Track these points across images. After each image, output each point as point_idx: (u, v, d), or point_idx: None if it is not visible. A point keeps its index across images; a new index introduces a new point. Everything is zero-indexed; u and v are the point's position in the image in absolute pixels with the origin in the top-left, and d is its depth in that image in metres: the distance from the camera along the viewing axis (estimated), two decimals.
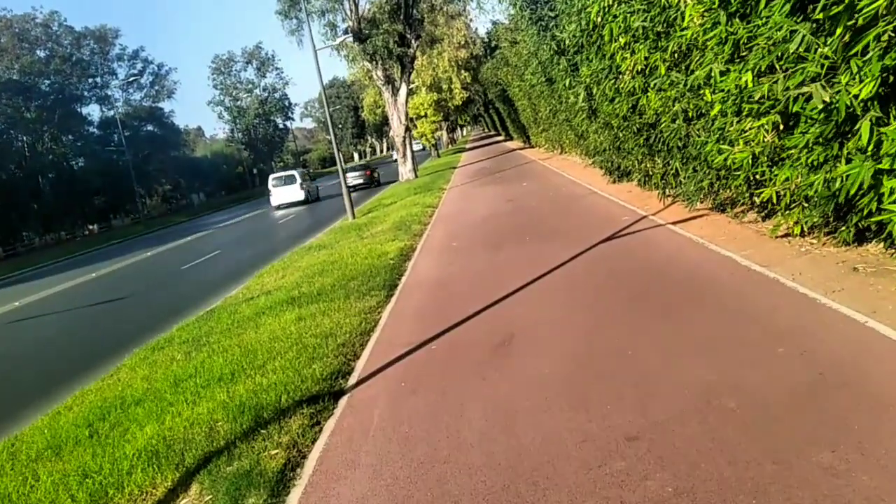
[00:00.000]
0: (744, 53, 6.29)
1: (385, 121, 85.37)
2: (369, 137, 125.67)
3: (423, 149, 67.47)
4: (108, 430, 5.95)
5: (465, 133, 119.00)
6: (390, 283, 9.67)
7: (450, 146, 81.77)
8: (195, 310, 11.53)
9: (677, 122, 8.98)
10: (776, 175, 6.44)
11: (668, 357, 4.81)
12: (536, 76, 21.06)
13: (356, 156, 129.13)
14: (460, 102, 59.60)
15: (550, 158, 27.34)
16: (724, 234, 8.13)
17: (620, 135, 12.50)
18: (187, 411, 5.86)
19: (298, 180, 36.51)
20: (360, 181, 39.71)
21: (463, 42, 57.79)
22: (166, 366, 7.76)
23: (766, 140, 6.35)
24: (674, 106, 8.85)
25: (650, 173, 12.00)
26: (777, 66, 5.67)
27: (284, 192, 36.33)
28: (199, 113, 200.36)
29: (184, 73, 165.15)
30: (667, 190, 10.92)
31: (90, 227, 62.11)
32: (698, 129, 8.56)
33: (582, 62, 13.80)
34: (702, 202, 9.67)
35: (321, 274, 11.43)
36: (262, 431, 5.05)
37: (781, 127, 6.10)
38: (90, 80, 69.16)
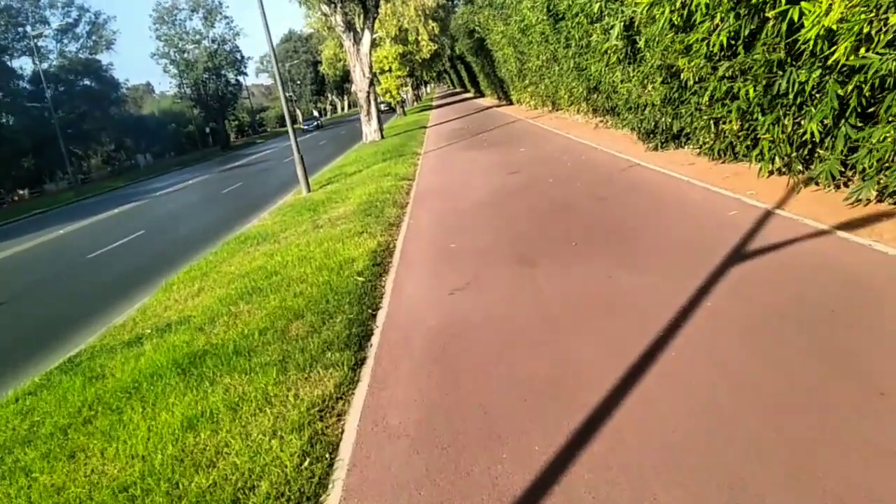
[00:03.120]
0: None
1: (346, 76, 79.69)
2: (330, 94, 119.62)
3: (389, 106, 62.64)
4: None
5: (428, 91, 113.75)
6: (360, 330, 5.69)
7: (415, 104, 76.88)
8: (57, 348, 7.48)
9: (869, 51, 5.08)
10: None
11: None
12: (536, 12, 16.85)
13: (315, 113, 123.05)
14: (428, 56, 54.77)
15: (541, 117, 23.31)
16: None
17: (695, 81, 8.57)
18: None
19: None
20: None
21: None
22: None
23: None
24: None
25: (739, 139, 8.15)
26: None
27: None
28: (147, 68, 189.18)
29: (129, 23, 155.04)
30: (792, 167, 7.05)
31: (20, 192, 56.19)
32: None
33: None
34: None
35: (251, 296, 7.39)
36: None
37: None
38: (19, 30, 62.28)
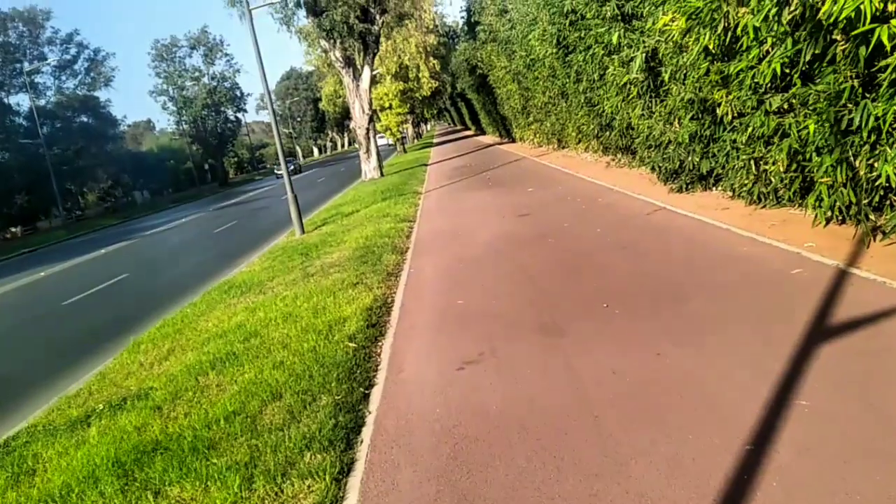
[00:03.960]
0: None
1: (346, 113, 79.12)
2: (330, 131, 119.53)
3: (389, 143, 62.11)
4: None
5: (428, 128, 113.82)
6: (348, 419, 4.55)
7: (415, 141, 76.47)
8: (2, 419, 6.34)
9: None
10: None
11: None
12: (544, 44, 16.02)
13: (316, 150, 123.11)
14: (429, 93, 54.43)
15: (546, 155, 22.41)
16: None
17: (734, 116, 7.60)
18: None
19: None
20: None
21: (431, 26, 52.74)
22: None
23: None
24: None
25: (785, 181, 7.14)
26: None
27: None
28: (147, 105, 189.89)
29: (129, 61, 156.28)
30: (858, 215, 6.00)
31: (12, 229, 55.16)
32: None
33: (645, 7, 8.98)
34: None
35: (224, 364, 6.28)
36: None
37: None
38: (16, 66, 62.05)
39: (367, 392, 5.12)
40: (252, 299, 9.19)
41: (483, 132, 50.92)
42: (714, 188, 9.95)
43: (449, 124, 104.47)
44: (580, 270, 7.17)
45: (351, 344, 6.09)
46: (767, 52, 6.24)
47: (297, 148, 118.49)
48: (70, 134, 62.60)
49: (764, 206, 8.04)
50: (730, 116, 7.62)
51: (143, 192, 75.76)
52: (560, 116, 19.92)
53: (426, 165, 31.34)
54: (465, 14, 38.36)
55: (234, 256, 15.31)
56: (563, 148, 22.30)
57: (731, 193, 9.04)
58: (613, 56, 10.94)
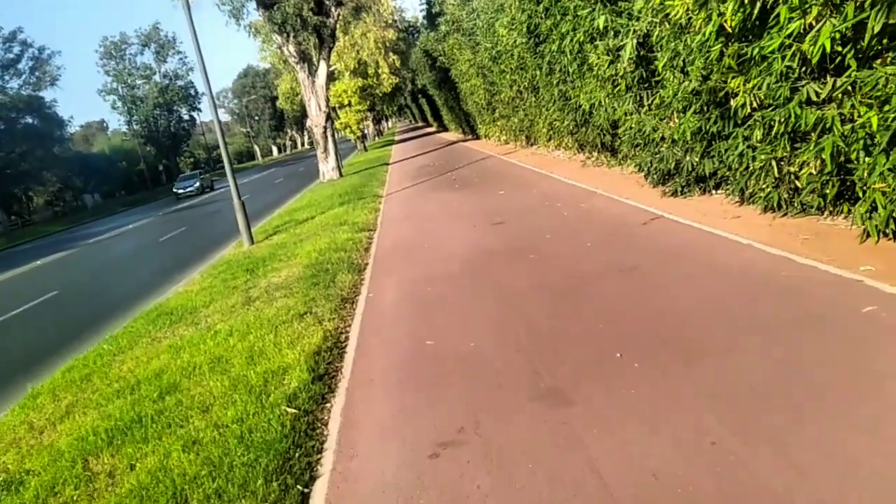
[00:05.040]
0: None
1: (305, 111, 76.87)
2: (289, 130, 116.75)
3: (348, 141, 60.38)
4: None
5: (390, 125, 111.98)
6: None
7: (377, 138, 74.71)
8: None
9: None
10: None
11: None
12: (513, 33, 14.71)
13: (275, 150, 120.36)
14: (389, 89, 52.78)
15: (515, 153, 21.14)
16: None
17: (754, 108, 6.37)
18: None
19: None
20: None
21: (390, 20, 51.17)
22: None
23: None
24: None
25: (818, 186, 5.94)
26: None
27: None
28: (99, 106, 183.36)
29: (79, 59, 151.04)
30: None
31: None
32: None
33: None
34: None
35: (124, 440, 4.82)
36: None
37: None
38: None
39: (305, 490, 3.72)
40: (182, 332, 7.69)
41: (445, 129, 49.61)
42: (715, 192, 8.75)
43: (410, 121, 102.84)
44: (575, 301, 5.84)
45: (290, 409, 4.68)
46: (811, 25, 4.98)
47: (256, 147, 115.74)
48: (14, 136, 59.36)
49: (785, 215, 6.83)
50: (748, 109, 6.38)
51: (94, 195, 72.60)
52: (529, 112, 18.66)
53: (388, 164, 29.87)
54: (425, 5, 36.82)
55: (175, 271, 13.73)
56: (532, 145, 21.06)
57: (737, 198, 7.83)
58: (597, 43, 9.65)
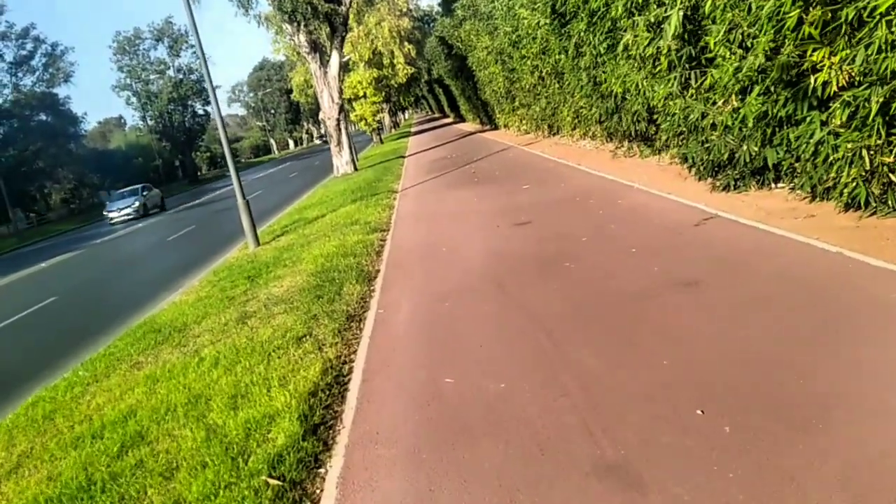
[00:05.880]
0: None
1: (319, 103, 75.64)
2: (305, 123, 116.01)
3: (364, 134, 59.39)
4: None
5: (406, 116, 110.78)
6: None
7: (393, 130, 73.57)
8: None
9: None
10: None
11: None
12: (535, 13, 13.55)
13: (291, 143, 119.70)
14: (404, 80, 51.60)
15: (536, 143, 19.98)
16: None
17: (843, 86, 5.23)
18: None
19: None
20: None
21: (405, 9, 49.99)
22: None
23: None
24: None
25: None
26: None
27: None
28: (115, 102, 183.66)
29: (94, 56, 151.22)
30: None
31: None
32: None
33: None
34: None
35: None
36: None
37: None
38: None
39: None
40: (165, 356, 6.72)
41: (463, 119, 48.40)
42: (775, 186, 7.60)
43: (427, 112, 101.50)
44: (626, 328, 4.75)
45: (272, 481, 3.66)
46: None
47: (272, 141, 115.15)
48: (28, 133, 59.09)
49: (873, 214, 5.68)
50: (833, 87, 5.24)
51: (109, 192, 72.24)
52: (552, 99, 17.49)
53: (403, 157, 28.80)
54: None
55: (177, 276, 12.84)
56: (555, 135, 19.89)
57: (806, 194, 6.68)
58: (636, 18, 8.49)
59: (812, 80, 5.45)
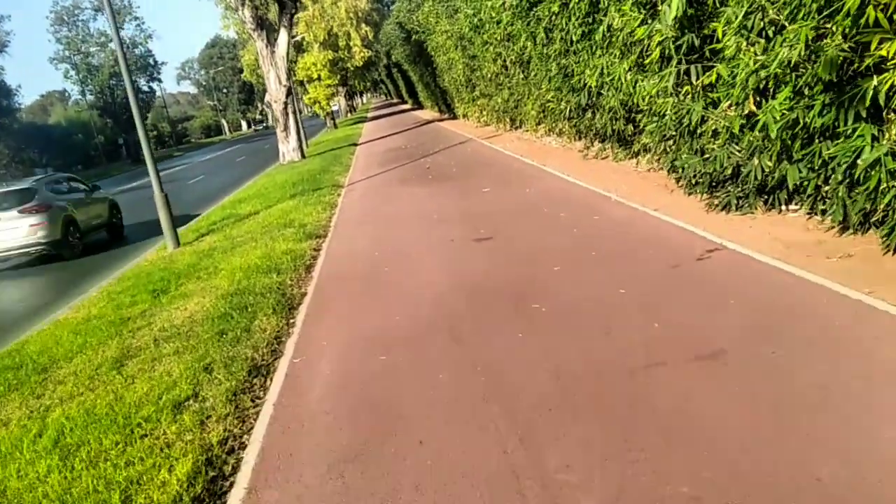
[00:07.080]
0: None
1: None
2: (259, 104, 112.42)
3: (317, 118, 57.16)
4: None
5: (364, 101, 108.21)
6: None
7: (349, 115, 71.27)
8: None
9: None
10: None
11: None
12: None
13: (244, 124, 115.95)
14: (361, 63, 49.54)
15: (498, 137, 18.52)
16: None
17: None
18: None
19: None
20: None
21: None
22: None
23: None
24: None
25: None
26: None
27: None
28: (56, 75, 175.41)
29: (36, 26, 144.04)
30: None
31: None
32: None
33: None
34: None
35: None
36: None
37: None
38: None
39: None
40: (4, 418, 5.06)
41: (421, 106, 46.76)
42: (786, 208, 6.28)
43: (385, 97, 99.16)
44: (628, 428, 3.31)
45: None
46: None
47: (224, 122, 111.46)
48: None
49: None
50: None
51: (46, 170, 68.25)
52: (516, 91, 16.05)
53: (356, 145, 27.07)
54: None
55: (83, 279, 11.08)
56: (517, 129, 18.47)
57: (835, 223, 5.36)
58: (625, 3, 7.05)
59: (875, 81, 4.09)
